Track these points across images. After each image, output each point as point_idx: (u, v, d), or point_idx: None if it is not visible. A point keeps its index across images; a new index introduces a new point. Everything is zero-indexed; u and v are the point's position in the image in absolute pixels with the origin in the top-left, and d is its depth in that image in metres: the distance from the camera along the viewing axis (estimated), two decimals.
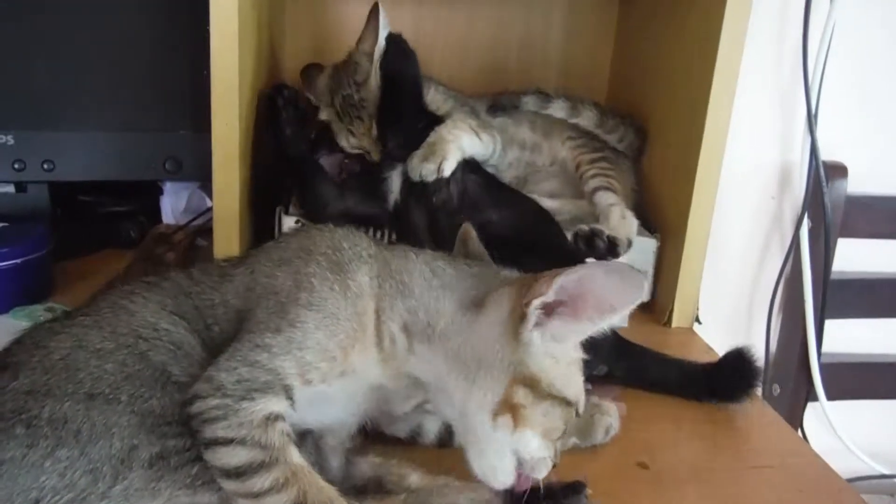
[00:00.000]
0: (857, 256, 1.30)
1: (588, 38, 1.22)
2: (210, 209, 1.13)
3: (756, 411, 0.77)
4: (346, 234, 0.54)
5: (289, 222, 0.92)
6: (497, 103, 1.01)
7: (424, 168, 0.81)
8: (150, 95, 1.05)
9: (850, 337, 1.36)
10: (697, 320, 0.94)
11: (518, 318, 0.47)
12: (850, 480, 1.30)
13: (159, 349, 0.48)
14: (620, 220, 0.87)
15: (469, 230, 0.61)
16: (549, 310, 0.47)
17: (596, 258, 0.84)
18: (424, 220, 0.83)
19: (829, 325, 1.28)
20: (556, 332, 0.47)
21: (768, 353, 1.36)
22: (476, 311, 0.49)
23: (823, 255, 1.25)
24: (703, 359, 0.86)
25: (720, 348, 0.90)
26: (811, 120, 1.19)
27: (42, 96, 1.00)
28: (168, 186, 1.14)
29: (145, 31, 1.03)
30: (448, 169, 0.82)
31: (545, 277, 0.47)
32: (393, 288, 0.50)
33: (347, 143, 0.91)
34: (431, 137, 0.84)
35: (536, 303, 0.47)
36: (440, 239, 0.81)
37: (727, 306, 1.35)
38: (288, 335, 0.46)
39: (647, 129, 1.04)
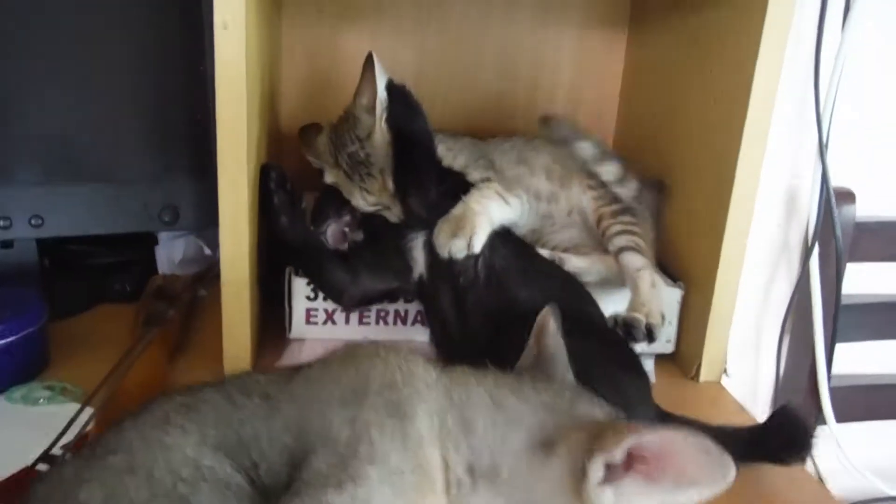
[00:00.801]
0: (863, 280, 1.30)
1: (596, 73, 1.19)
2: (209, 257, 1.08)
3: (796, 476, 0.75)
4: (399, 364, 0.49)
5: (300, 285, 0.87)
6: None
7: (454, 245, 0.77)
8: (144, 142, 0.99)
9: (858, 359, 1.36)
10: (725, 372, 0.91)
11: (581, 472, 0.43)
12: (860, 503, 1.31)
13: (202, 492, 0.44)
14: (650, 291, 0.83)
15: (547, 321, 0.56)
16: (625, 465, 0.43)
17: (635, 342, 0.80)
18: (450, 299, 0.79)
19: (837, 347, 1.27)
20: (627, 493, 0.43)
21: (778, 379, 1.36)
22: (544, 454, 0.45)
23: (834, 281, 1.24)
24: (734, 417, 0.84)
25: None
26: (822, 148, 1.17)
27: (28, 146, 0.94)
28: (163, 235, 1.08)
29: (137, 76, 0.97)
30: (478, 244, 0.77)
31: (617, 432, 0.42)
32: (456, 424, 0.46)
33: (364, 201, 0.85)
34: (458, 209, 0.80)
35: (599, 460, 0.42)
36: (467, 320, 0.77)
37: (735, 333, 1.33)
38: (351, 492, 0.41)
39: (665, 179, 1.00)
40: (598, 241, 0.97)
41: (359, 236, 0.87)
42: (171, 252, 1.07)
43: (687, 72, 0.96)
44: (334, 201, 0.88)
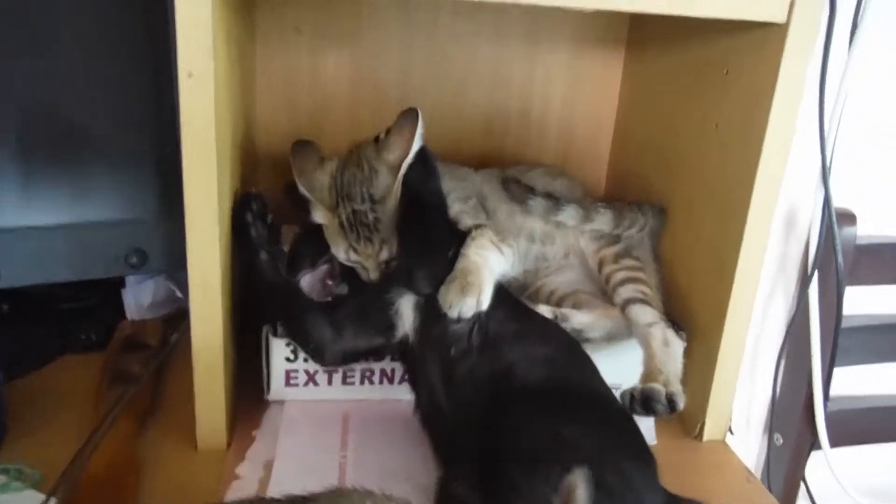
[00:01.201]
0: (861, 302, 1.27)
1: (591, 94, 1.12)
2: (181, 299, 1.01)
3: None
4: None
5: (278, 346, 0.81)
6: (507, 184, 0.90)
7: (465, 304, 0.70)
8: (108, 181, 0.91)
9: (853, 381, 1.32)
10: (730, 430, 0.87)
11: None
12: None
13: None
14: (664, 352, 0.78)
15: (577, 488, 0.51)
16: None
17: (656, 416, 0.75)
18: (439, 370, 0.73)
19: (836, 370, 1.24)
20: None
21: (773, 402, 1.32)
22: None
23: (835, 304, 1.20)
24: (741, 485, 0.80)
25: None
26: (825, 171, 1.12)
27: None
28: (131, 278, 1.00)
29: (98, 108, 0.89)
30: (486, 301, 0.72)
31: None
32: None
33: (345, 256, 0.79)
34: (461, 263, 0.74)
35: None
36: (457, 392, 0.71)
37: None
38: None
39: (664, 210, 0.94)
40: (599, 285, 0.91)
41: (343, 289, 0.81)
42: (140, 295, 1.00)
43: (689, 98, 0.90)
44: (312, 245, 0.82)
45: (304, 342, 0.79)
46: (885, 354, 1.33)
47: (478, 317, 0.72)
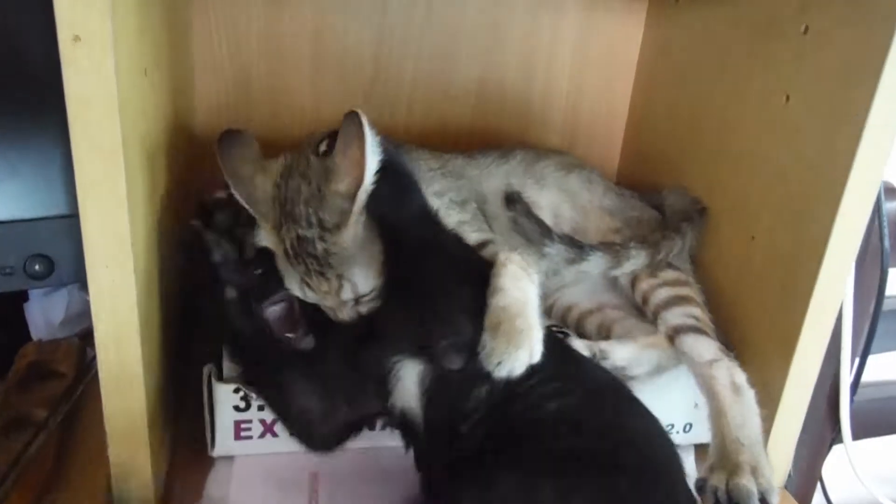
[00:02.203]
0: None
1: (604, 60, 0.95)
2: None
3: None
4: None
5: (225, 394, 0.61)
6: (516, 218, 0.71)
7: (517, 359, 0.51)
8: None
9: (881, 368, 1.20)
10: (790, 475, 0.71)
11: None
12: None
13: None
14: (736, 404, 0.61)
15: None
16: None
17: None
18: (446, 454, 0.55)
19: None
20: None
21: None
22: None
23: (877, 285, 1.05)
24: None
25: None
26: None
27: None
28: (35, 291, 0.80)
29: None
30: (539, 350, 0.52)
31: None
32: None
33: (301, 293, 0.59)
34: (501, 300, 0.54)
35: None
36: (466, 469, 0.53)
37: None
38: None
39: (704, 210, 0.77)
40: (623, 297, 0.74)
41: (309, 344, 0.61)
42: (48, 310, 0.80)
43: (742, 62, 0.73)
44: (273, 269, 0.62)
45: (287, 419, 0.60)
46: None
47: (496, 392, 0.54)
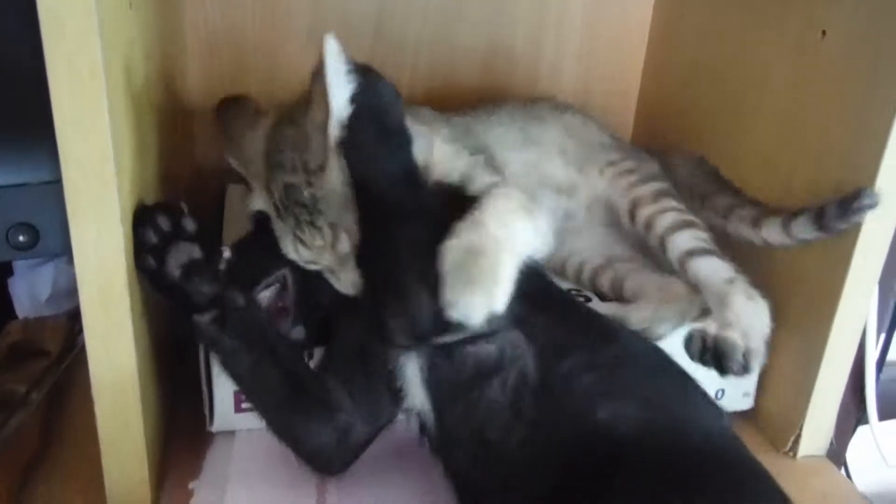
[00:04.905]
0: None
1: (616, 13, 0.89)
2: None
3: None
4: None
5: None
6: None
7: (472, 305, 0.44)
8: None
9: None
10: (832, 443, 0.66)
11: None
12: None
13: None
14: (748, 306, 0.57)
15: None
16: None
17: (722, 373, 0.56)
18: (472, 455, 0.50)
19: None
20: None
21: None
22: None
23: None
24: None
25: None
26: None
27: None
28: (20, 264, 0.75)
29: None
30: (502, 301, 0.45)
31: None
32: None
33: (296, 254, 0.54)
34: (471, 234, 0.48)
35: None
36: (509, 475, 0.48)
37: None
38: None
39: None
40: (634, 239, 0.70)
41: (299, 334, 0.56)
42: (34, 285, 0.75)
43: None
44: (259, 256, 0.57)
45: (299, 450, 0.55)
46: None
47: (513, 372, 0.49)
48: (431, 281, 0.45)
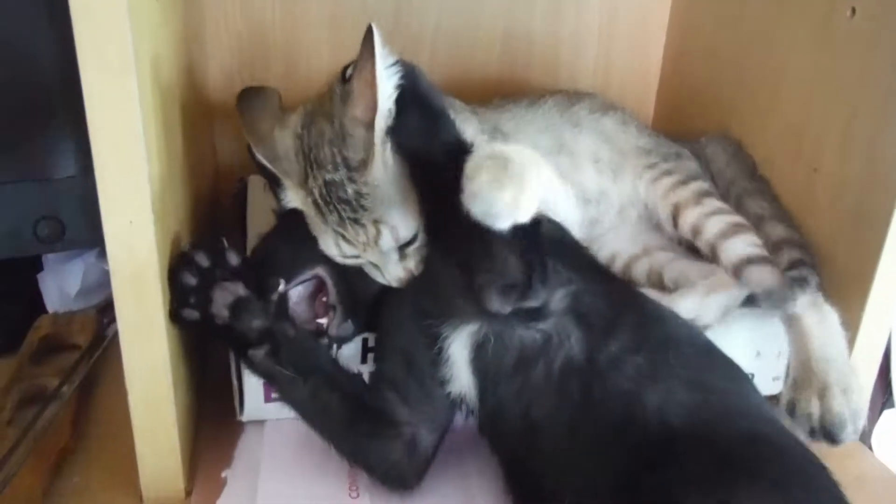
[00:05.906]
0: None
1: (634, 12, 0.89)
2: None
3: None
4: None
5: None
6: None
7: (498, 200, 0.41)
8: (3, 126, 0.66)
9: None
10: (865, 427, 0.65)
11: None
12: None
13: None
14: (822, 332, 0.57)
15: None
16: None
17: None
18: (521, 439, 0.50)
19: None
20: None
21: None
22: None
23: None
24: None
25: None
26: None
27: None
28: (50, 258, 0.75)
29: None
30: (527, 209, 0.42)
31: None
32: None
33: (338, 251, 0.54)
34: (490, 149, 0.45)
35: None
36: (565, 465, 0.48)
37: None
38: None
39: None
40: (666, 236, 0.70)
41: (347, 330, 0.56)
42: (64, 280, 0.75)
43: None
44: (290, 250, 0.57)
45: (373, 473, 0.55)
46: None
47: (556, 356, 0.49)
48: (515, 246, 0.45)
